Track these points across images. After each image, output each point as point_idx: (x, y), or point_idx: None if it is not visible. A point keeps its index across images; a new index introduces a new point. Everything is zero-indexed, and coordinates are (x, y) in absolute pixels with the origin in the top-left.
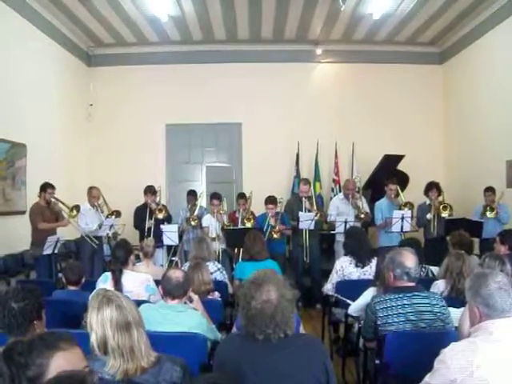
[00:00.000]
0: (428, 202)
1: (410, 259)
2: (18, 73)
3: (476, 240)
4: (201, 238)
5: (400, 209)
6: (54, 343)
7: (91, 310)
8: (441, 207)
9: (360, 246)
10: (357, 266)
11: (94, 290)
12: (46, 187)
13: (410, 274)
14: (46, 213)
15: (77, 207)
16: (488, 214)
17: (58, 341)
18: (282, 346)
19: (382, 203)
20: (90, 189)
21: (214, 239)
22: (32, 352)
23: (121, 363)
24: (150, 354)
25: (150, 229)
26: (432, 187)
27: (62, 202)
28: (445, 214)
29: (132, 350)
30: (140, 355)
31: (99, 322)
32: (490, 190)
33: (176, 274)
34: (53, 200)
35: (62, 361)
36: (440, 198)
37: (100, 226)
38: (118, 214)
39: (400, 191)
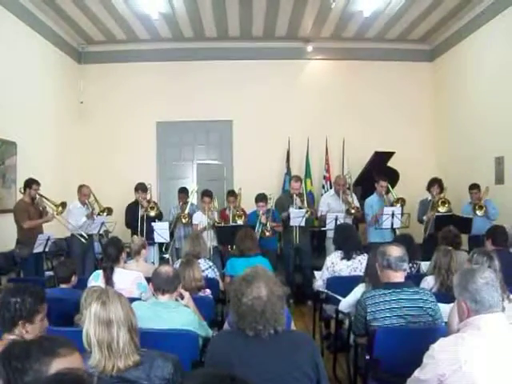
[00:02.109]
0: (430, 198)
1: (393, 250)
2: (8, 70)
3: (465, 237)
4: (197, 234)
5: (392, 205)
6: (52, 350)
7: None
8: (439, 203)
9: (345, 238)
10: (342, 258)
11: (86, 288)
12: (31, 183)
13: (390, 261)
14: (31, 210)
15: (63, 204)
16: (478, 212)
17: (57, 347)
18: (273, 342)
19: (372, 200)
20: (80, 187)
21: None
22: (29, 357)
23: (100, 358)
24: (133, 356)
25: (141, 226)
26: (434, 183)
27: (46, 199)
28: (443, 210)
29: (110, 347)
30: (118, 354)
31: (87, 316)
32: (475, 188)
33: (165, 269)
34: (38, 196)
35: (61, 367)
36: (441, 195)
37: (87, 217)
38: (109, 211)
39: (390, 188)
